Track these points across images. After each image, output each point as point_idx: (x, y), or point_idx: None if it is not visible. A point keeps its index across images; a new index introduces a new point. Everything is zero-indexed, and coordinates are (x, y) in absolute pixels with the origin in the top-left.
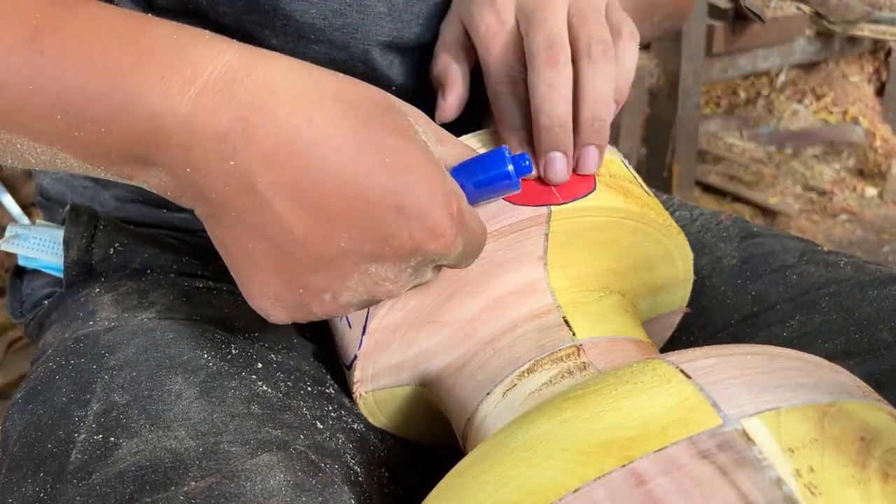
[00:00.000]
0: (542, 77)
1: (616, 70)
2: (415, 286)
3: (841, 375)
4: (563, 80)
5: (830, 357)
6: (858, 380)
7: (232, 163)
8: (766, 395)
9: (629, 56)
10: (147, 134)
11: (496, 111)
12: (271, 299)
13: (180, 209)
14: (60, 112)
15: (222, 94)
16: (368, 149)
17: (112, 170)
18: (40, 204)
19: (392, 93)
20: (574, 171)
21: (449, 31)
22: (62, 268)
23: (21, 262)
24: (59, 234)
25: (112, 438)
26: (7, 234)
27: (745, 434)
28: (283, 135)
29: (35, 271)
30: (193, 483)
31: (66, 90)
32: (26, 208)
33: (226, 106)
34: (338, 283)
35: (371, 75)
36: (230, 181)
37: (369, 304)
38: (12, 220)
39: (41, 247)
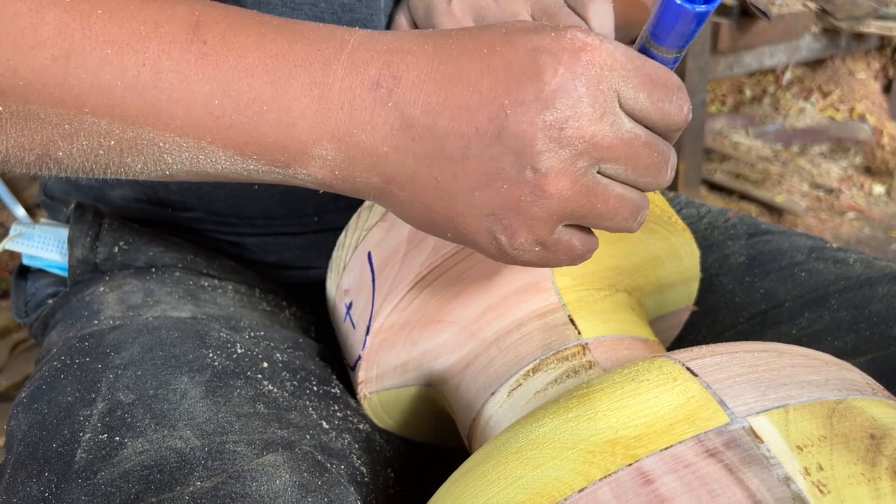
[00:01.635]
0: None
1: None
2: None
3: (850, 372)
4: None
5: (840, 355)
6: (868, 377)
7: (390, 104)
8: (774, 392)
9: (604, 18)
10: (311, 104)
11: None
12: (496, 223)
13: (186, 208)
14: (219, 97)
15: (366, 51)
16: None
17: (267, 158)
18: (44, 204)
19: None
20: None
21: (401, 26)
22: (66, 266)
23: (25, 262)
24: (64, 232)
25: (117, 438)
26: (11, 232)
27: (752, 432)
28: (422, 63)
29: (39, 270)
30: (199, 483)
31: (228, 73)
32: (30, 210)
33: (371, 59)
34: (529, 159)
35: None
36: (393, 123)
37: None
38: (17, 220)
39: (45, 245)
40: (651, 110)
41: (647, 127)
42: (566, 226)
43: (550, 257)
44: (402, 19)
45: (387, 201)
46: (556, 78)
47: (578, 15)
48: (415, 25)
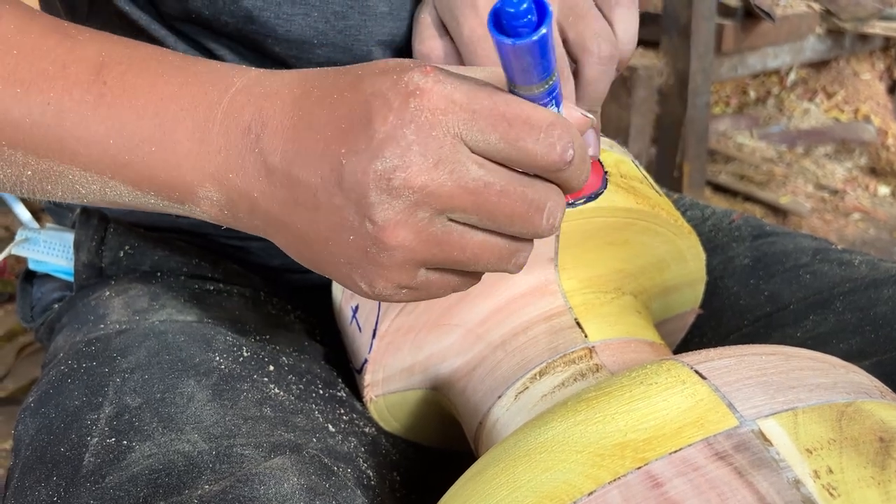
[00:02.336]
0: None
1: (615, 62)
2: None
3: (858, 375)
4: None
5: (845, 357)
6: (875, 379)
7: (256, 150)
8: (783, 395)
9: (628, 23)
10: (194, 147)
11: None
12: (354, 271)
13: None
14: (114, 137)
15: (245, 95)
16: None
17: (162, 194)
18: (49, 209)
19: None
20: None
21: (426, 24)
22: (72, 271)
23: (31, 266)
24: (69, 237)
25: (125, 442)
26: (17, 237)
27: (761, 435)
28: (287, 108)
29: (45, 275)
30: (207, 486)
31: (123, 114)
32: (36, 214)
33: (247, 103)
34: (365, 211)
35: None
36: (259, 169)
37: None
38: (22, 225)
39: (51, 250)
40: (510, 152)
41: (517, 170)
42: (432, 269)
43: (425, 294)
44: (426, 17)
45: (275, 243)
46: (386, 126)
47: (606, 18)
48: (440, 22)
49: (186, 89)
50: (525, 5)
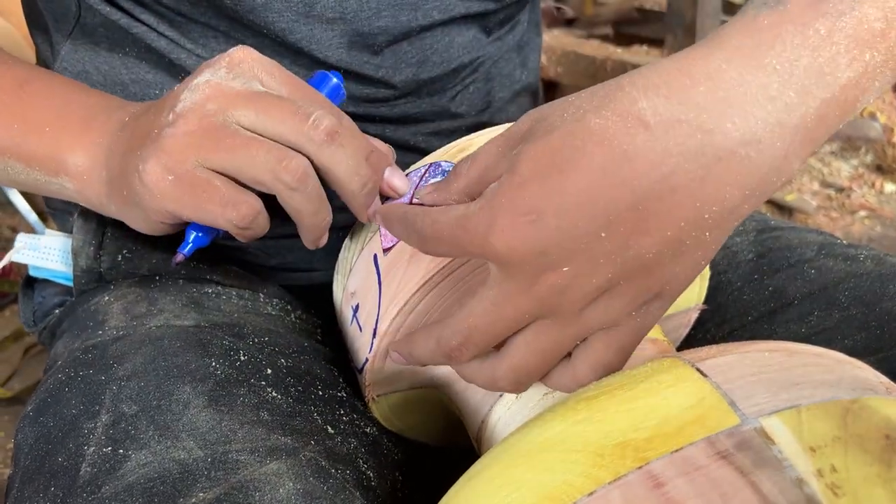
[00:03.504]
0: None
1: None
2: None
3: (863, 371)
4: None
5: (850, 353)
6: (881, 375)
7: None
8: (786, 392)
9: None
10: (83, 133)
11: None
12: (137, 159)
13: None
14: (19, 123)
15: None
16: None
17: (45, 168)
18: (50, 213)
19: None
20: None
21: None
22: (72, 276)
23: (31, 273)
24: (68, 242)
25: (121, 450)
26: (17, 244)
27: (764, 433)
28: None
29: (46, 280)
30: (202, 494)
31: (30, 112)
32: (42, 215)
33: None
34: (171, 105)
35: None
36: (121, 120)
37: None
38: (28, 226)
39: (51, 256)
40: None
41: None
42: (208, 169)
43: (190, 198)
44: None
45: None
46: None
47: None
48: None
49: (86, 96)
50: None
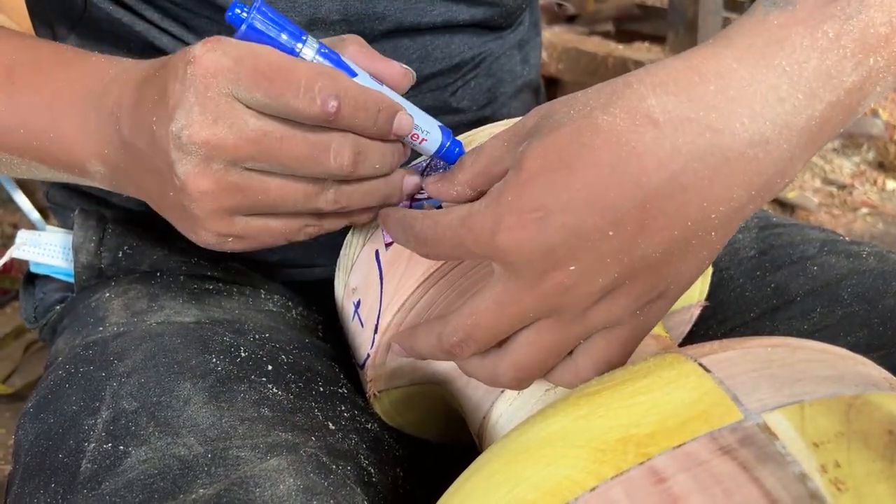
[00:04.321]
0: None
1: None
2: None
3: (866, 367)
4: None
5: (853, 350)
6: (884, 371)
7: (116, 128)
8: (789, 388)
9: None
10: (78, 134)
11: None
12: (181, 223)
13: None
14: (23, 126)
15: (113, 82)
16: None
17: (69, 171)
18: (51, 208)
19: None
20: None
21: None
22: (73, 273)
23: (33, 269)
24: (69, 239)
25: (121, 447)
26: (18, 240)
27: (767, 428)
28: (131, 90)
29: (47, 276)
30: (202, 490)
31: (27, 110)
32: (44, 212)
33: (113, 89)
34: (171, 168)
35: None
36: (119, 142)
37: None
38: (29, 223)
39: (52, 252)
40: (276, 106)
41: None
42: (251, 215)
43: (255, 241)
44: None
45: (148, 202)
46: (174, 93)
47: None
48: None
49: (72, 85)
50: (237, 9)
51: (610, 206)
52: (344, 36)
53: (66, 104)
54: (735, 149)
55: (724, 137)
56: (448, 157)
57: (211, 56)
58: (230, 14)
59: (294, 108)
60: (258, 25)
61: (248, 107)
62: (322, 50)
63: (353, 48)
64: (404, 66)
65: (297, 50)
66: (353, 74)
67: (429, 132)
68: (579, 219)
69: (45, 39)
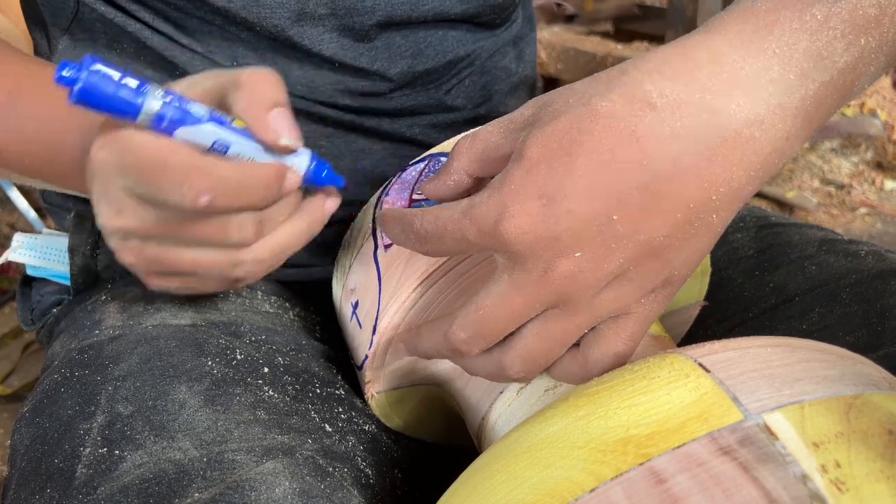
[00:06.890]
0: None
1: None
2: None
3: (866, 367)
4: None
5: (852, 350)
6: (884, 371)
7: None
8: (789, 388)
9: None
10: (73, 164)
11: None
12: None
13: None
14: (19, 147)
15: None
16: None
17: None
18: (47, 210)
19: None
20: None
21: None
22: (69, 276)
23: (29, 272)
24: (65, 242)
25: (117, 451)
26: (13, 243)
27: (767, 429)
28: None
29: (44, 279)
30: (197, 494)
31: (27, 136)
32: (40, 210)
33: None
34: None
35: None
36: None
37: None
38: (27, 222)
39: (48, 255)
40: (158, 199)
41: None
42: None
43: (192, 288)
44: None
45: None
46: (91, 185)
47: None
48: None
49: (69, 113)
50: (65, 71)
51: (613, 191)
52: (245, 73)
53: (64, 135)
54: (732, 128)
55: (720, 118)
56: (315, 180)
57: (101, 154)
58: (58, 77)
59: (174, 203)
60: (90, 87)
61: (141, 198)
62: (166, 98)
63: (244, 104)
64: (288, 137)
65: (140, 104)
66: (198, 121)
67: (298, 159)
68: (583, 205)
69: (42, 62)
